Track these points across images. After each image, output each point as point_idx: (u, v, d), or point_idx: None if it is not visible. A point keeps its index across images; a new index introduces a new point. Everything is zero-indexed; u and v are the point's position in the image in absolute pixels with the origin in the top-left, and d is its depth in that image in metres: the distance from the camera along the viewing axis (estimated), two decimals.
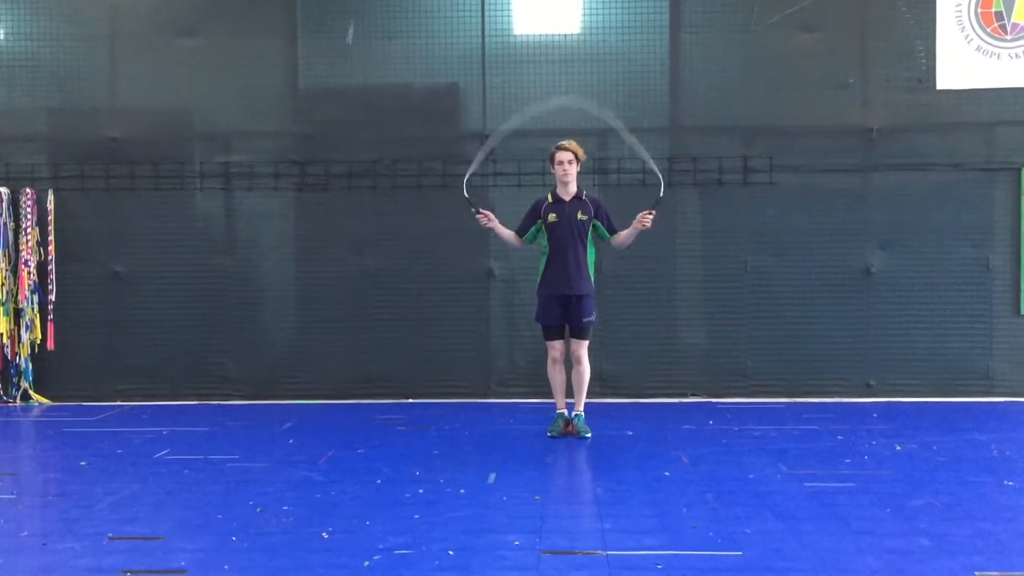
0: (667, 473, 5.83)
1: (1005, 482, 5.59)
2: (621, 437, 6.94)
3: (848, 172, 8.78)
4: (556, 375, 7.13)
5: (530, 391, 8.75)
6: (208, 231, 9.02)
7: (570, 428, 6.99)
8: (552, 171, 7.11)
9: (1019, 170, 8.69)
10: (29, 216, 8.81)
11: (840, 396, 8.73)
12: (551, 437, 6.96)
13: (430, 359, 8.91)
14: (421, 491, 5.44)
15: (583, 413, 7.09)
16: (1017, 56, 8.66)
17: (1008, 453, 6.37)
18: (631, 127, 8.83)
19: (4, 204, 8.77)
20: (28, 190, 8.85)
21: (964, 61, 8.68)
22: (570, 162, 6.95)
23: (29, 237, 8.80)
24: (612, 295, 8.78)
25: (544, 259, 7.02)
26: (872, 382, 8.77)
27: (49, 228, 8.88)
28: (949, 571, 4.09)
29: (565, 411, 7.12)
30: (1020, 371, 8.71)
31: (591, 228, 7.00)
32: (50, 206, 8.87)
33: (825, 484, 5.51)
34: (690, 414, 8.00)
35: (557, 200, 7.02)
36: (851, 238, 8.79)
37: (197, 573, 4.13)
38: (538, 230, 7.05)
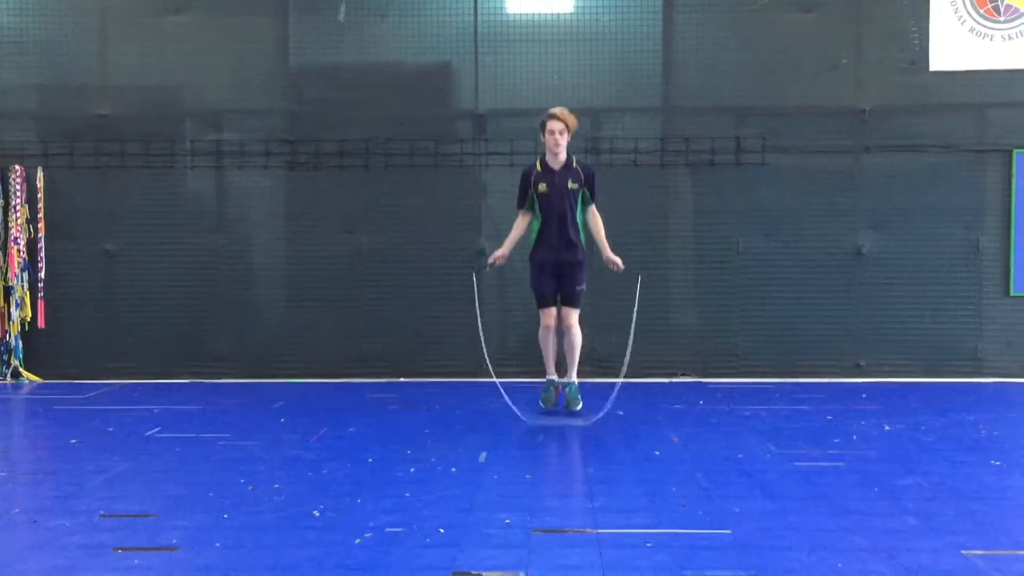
0: (657, 452, 5.86)
1: (992, 462, 5.63)
2: (612, 416, 6.95)
3: (841, 153, 8.78)
4: (548, 341, 7.08)
5: (521, 370, 8.74)
6: (199, 209, 8.99)
7: (559, 391, 7.07)
8: (542, 139, 7.00)
9: (1010, 152, 8.71)
10: (19, 193, 8.77)
11: (830, 376, 8.77)
12: (544, 408, 7.01)
13: (422, 338, 8.92)
14: (412, 470, 5.45)
15: (576, 381, 7.10)
16: (1010, 38, 8.66)
17: (995, 433, 6.42)
18: (624, 107, 8.90)
19: None
20: (17, 167, 8.80)
21: (957, 43, 8.67)
22: (561, 132, 6.84)
23: (19, 214, 8.76)
24: (603, 275, 8.73)
25: (537, 225, 6.96)
26: (862, 362, 8.81)
27: (39, 205, 8.84)
28: (936, 550, 4.12)
29: (555, 376, 7.14)
30: (1009, 352, 8.76)
31: (582, 195, 6.94)
32: (40, 183, 8.83)
33: (814, 463, 5.55)
34: (681, 394, 8.03)
35: (546, 169, 6.93)
36: (843, 219, 8.81)
37: (189, 550, 4.14)
38: (531, 199, 6.98)
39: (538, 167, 6.95)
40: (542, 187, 6.87)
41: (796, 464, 5.53)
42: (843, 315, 8.82)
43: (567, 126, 6.87)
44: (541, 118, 6.97)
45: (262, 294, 9.01)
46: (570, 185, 6.86)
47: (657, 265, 8.89)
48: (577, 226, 6.91)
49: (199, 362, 8.94)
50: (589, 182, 6.94)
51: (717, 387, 8.37)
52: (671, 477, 5.29)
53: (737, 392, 8.10)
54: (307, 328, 8.95)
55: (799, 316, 8.83)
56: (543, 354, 7.15)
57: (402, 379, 8.87)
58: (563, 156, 6.93)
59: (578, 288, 6.98)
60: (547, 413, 7.02)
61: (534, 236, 6.99)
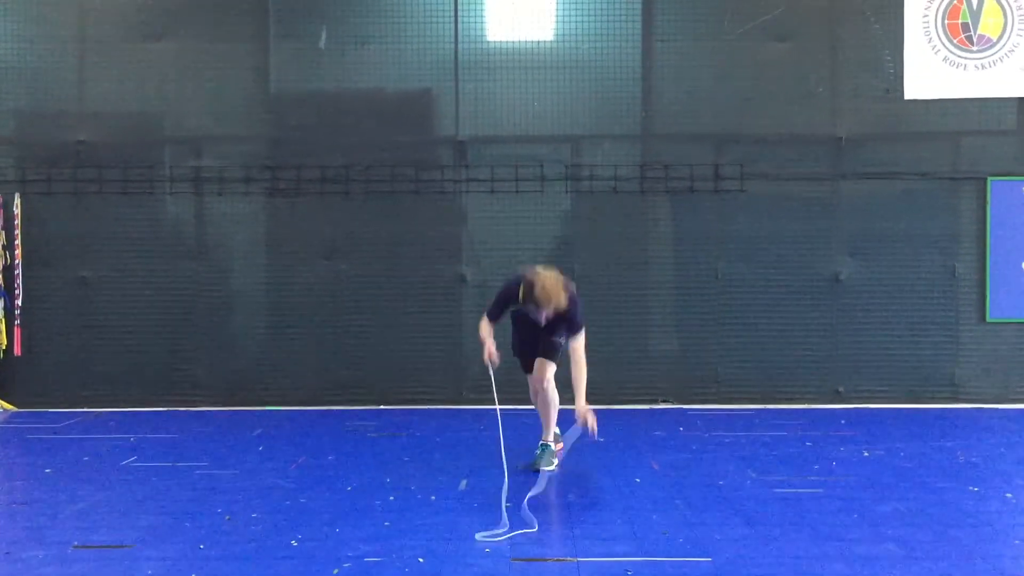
0: (637, 479, 5.84)
1: (970, 488, 5.65)
2: (592, 443, 6.93)
3: (817, 180, 8.86)
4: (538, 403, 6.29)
5: (502, 398, 8.72)
6: (178, 236, 8.94)
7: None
8: (523, 298, 5.87)
9: (985, 179, 8.81)
10: None
11: (810, 403, 8.79)
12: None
13: (402, 365, 8.88)
14: (392, 498, 5.41)
15: (550, 444, 6.21)
16: (983, 67, 8.79)
17: (973, 459, 6.45)
18: (603, 134, 8.96)
19: None
20: None
21: (931, 71, 8.79)
22: (547, 315, 5.84)
23: None
24: (583, 301, 8.76)
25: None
26: (841, 388, 8.84)
27: (16, 232, 8.77)
28: None
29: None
30: (986, 378, 8.83)
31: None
32: (17, 210, 8.77)
33: (794, 490, 5.55)
34: (661, 421, 8.02)
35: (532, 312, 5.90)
36: (820, 246, 8.87)
37: None
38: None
39: (521, 299, 5.89)
40: (523, 311, 5.97)
41: (776, 490, 5.53)
42: (822, 341, 8.87)
43: (557, 309, 5.80)
44: (520, 283, 5.85)
45: (240, 321, 8.96)
46: (554, 337, 6.02)
47: (636, 291, 8.93)
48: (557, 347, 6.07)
49: (176, 390, 8.86)
50: (570, 322, 5.96)
51: (697, 414, 8.37)
52: (651, 504, 5.27)
53: (717, 419, 8.11)
54: (286, 355, 8.90)
55: (778, 342, 8.87)
56: (540, 415, 6.34)
57: (381, 406, 8.82)
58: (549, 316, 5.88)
59: (554, 340, 6.03)
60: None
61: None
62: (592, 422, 5.86)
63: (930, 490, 5.59)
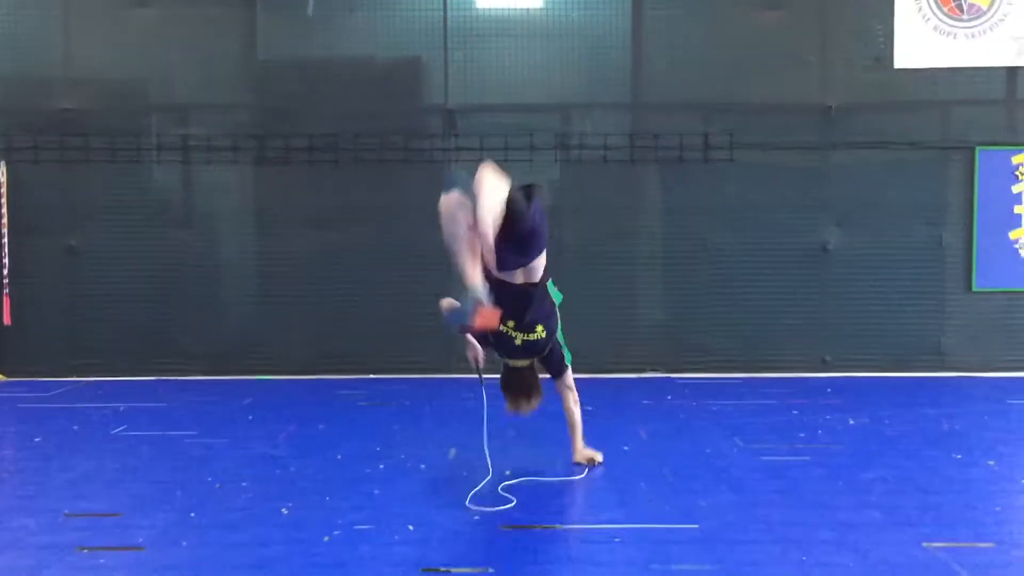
0: (625, 448, 5.89)
1: (953, 455, 5.72)
2: (582, 412, 6.97)
3: (807, 150, 8.85)
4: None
5: (489, 367, 8.76)
6: (165, 205, 8.90)
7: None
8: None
9: (973, 149, 8.81)
10: None
11: (797, 371, 8.84)
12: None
13: (392, 335, 8.88)
14: (381, 466, 5.45)
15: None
16: (973, 36, 8.77)
17: (957, 427, 6.52)
18: (593, 103, 8.92)
19: None
20: None
21: (921, 41, 8.77)
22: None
23: None
24: (573, 271, 8.78)
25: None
26: (828, 357, 8.89)
27: (1, 201, 8.71)
28: (898, 542, 4.19)
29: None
30: (971, 347, 8.88)
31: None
32: (2, 178, 8.70)
33: (780, 457, 5.61)
34: (649, 390, 8.07)
35: None
36: (809, 215, 8.88)
37: (155, 550, 4.12)
38: None
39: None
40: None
41: (762, 458, 5.59)
42: (809, 311, 8.90)
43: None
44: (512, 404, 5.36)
45: (229, 290, 8.94)
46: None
47: (626, 261, 8.94)
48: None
49: (165, 359, 8.85)
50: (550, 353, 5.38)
51: (685, 382, 8.42)
52: (639, 472, 5.32)
53: (705, 387, 8.16)
54: (275, 325, 8.89)
55: (766, 312, 8.90)
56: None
57: (371, 375, 8.84)
58: None
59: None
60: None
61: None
62: (597, 458, 5.44)
63: (914, 457, 5.66)
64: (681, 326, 8.93)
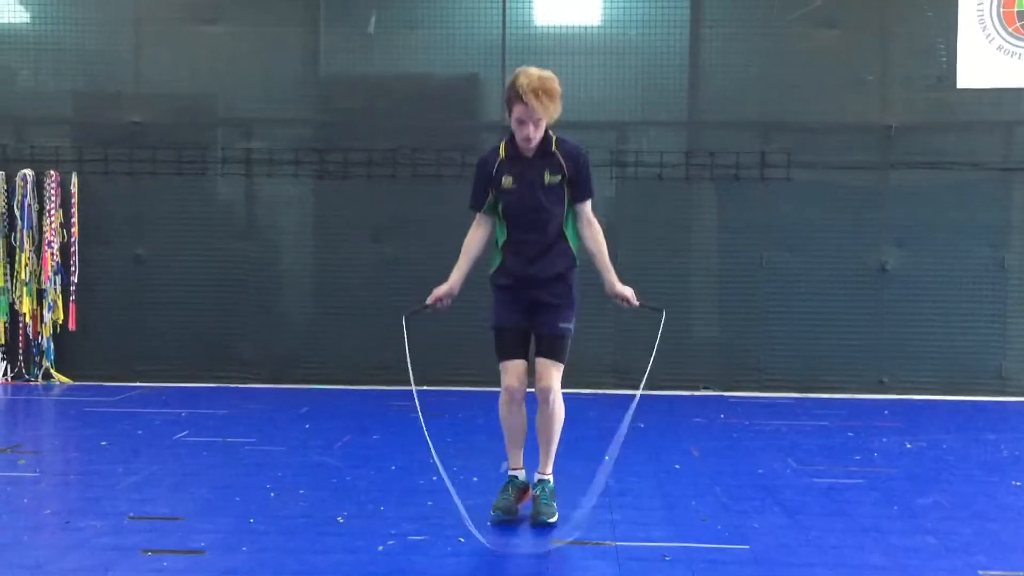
0: (677, 466, 5.90)
1: (1012, 482, 5.63)
2: (633, 428, 6.94)
3: (866, 169, 8.80)
4: (513, 416, 4.76)
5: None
6: (228, 216, 9.14)
7: (526, 497, 4.81)
8: (507, 115, 4.67)
9: None
10: (53, 198, 8.94)
11: (852, 392, 8.77)
12: (496, 519, 4.68)
13: (445, 347, 8.95)
14: (435, 478, 5.51)
15: (551, 478, 4.79)
16: None
17: (1017, 453, 6.40)
18: (650, 120, 8.96)
19: (29, 186, 8.90)
20: (52, 172, 8.97)
21: (985, 60, 8.67)
22: (536, 123, 4.52)
23: (53, 219, 8.93)
24: (627, 286, 8.79)
25: (501, 238, 4.77)
26: (885, 379, 8.80)
27: (72, 210, 9.01)
28: (953, 570, 4.15)
29: (521, 472, 4.87)
30: None
31: (566, 191, 4.66)
32: (74, 188, 9.00)
33: (834, 480, 5.57)
34: (702, 408, 8.06)
35: (513, 156, 4.65)
36: (867, 235, 8.82)
37: (216, 554, 4.23)
38: (495, 200, 4.75)
39: (502, 153, 4.68)
40: (507, 182, 4.64)
41: (816, 480, 5.56)
42: (866, 331, 8.82)
43: (541, 114, 4.49)
44: (508, 91, 4.56)
45: (289, 301, 9.14)
46: (547, 178, 4.61)
47: (680, 278, 8.95)
48: (563, 237, 4.70)
49: (226, 367, 9.07)
50: (577, 172, 4.64)
51: (738, 401, 8.39)
52: (690, 491, 5.33)
53: (758, 406, 8.12)
54: (333, 335, 9.05)
55: (822, 332, 8.84)
56: (506, 439, 4.86)
57: (425, 387, 8.92)
58: (538, 137, 4.60)
59: (562, 327, 4.69)
60: (500, 524, 4.67)
61: (497, 255, 4.80)
62: (630, 295, 4.78)
63: (972, 483, 5.58)
64: (736, 344, 8.91)
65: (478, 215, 4.85)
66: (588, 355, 8.74)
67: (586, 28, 8.94)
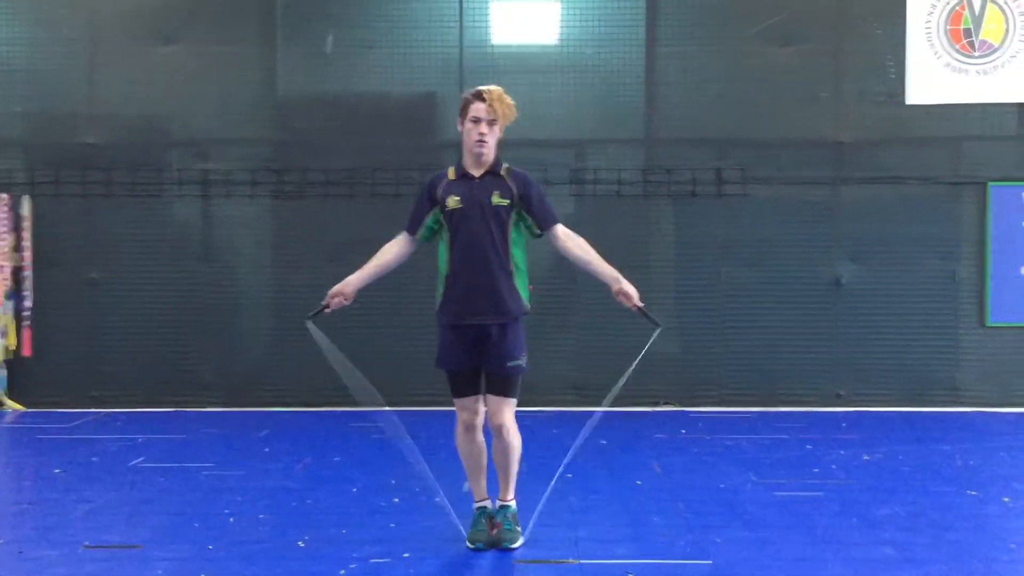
0: (639, 482, 5.91)
1: (968, 492, 5.72)
2: (594, 446, 7.00)
3: (820, 185, 8.92)
4: (471, 445, 4.75)
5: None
6: (185, 238, 9.03)
7: (494, 531, 4.69)
8: (460, 129, 4.68)
9: (985, 184, 8.86)
10: (5, 222, 8.78)
11: (810, 406, 8.85)
12: (472, 549, 4.64)
13: (406, 367, 8.92)
14: (396, 500, 5.49)
15: (512, 503, 4.78)
16: (985, 72, 8.84)
17: (972, 463, 6.51)
18: (607, 139, 9.02)
19: None
20: (3, 195, 8.81)
21: (933, 77, 8.85)
22: (490, 122, 4.58)
23: (4, 243, 8.77)
24: (586, 303, 8.86)
25: (444, 268, 4.69)
26: (841, 392, 8.90)
27: (25, 234, 8.86)
28: None
29: (488, 503, 4.83)
30: (985, 381, 8.88)
31: (516, 219, 4.63)
32: (26, 212, 8.85)
33: (794, 493, 5.62)
34: (662, 423, 8.09)
35: (462, 176, 4.65)
36: (822, 250, 8.93)
37: None
38: (436, 223, 4.71)
39: (451, 174, 4.68)
40: (453, 201, 4.58)
41: (776, 494, 5.60)
42: (823, 345, 8.92)
43: (499, 115, 4.59)
44: (464, 95, 4.70)
45: (247, 323, 9.04)
46: (495, 199, 4.55)
47: (640, 294, 8.96)
48: (510, 265, 4.61)
49: (183, 391, 8.94)
50: (528, 194, 4.61)
51: (699, 416, 8.44)
52: (653, 507, 5.35)
53: (718, 421, 8.18)
54: (291, 357, 8.95)
55: (780, 346, 8.92)
56: (466, 470, 4.85)
57: (387, 408, 8.88)
58: (489, 157, 4.63)
59: (510, 366, 4.59)
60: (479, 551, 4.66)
61: (440, 287, 4.73)
62: (634, 295, 4.79)
63: (929, 494, 5.66)
64: (695, 360, 8.96)
65: (405, 233, 4.85)
66: (549, 373, 8.78)
67: (544, 47, 9.00)
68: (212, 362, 8.98)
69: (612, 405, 8.61)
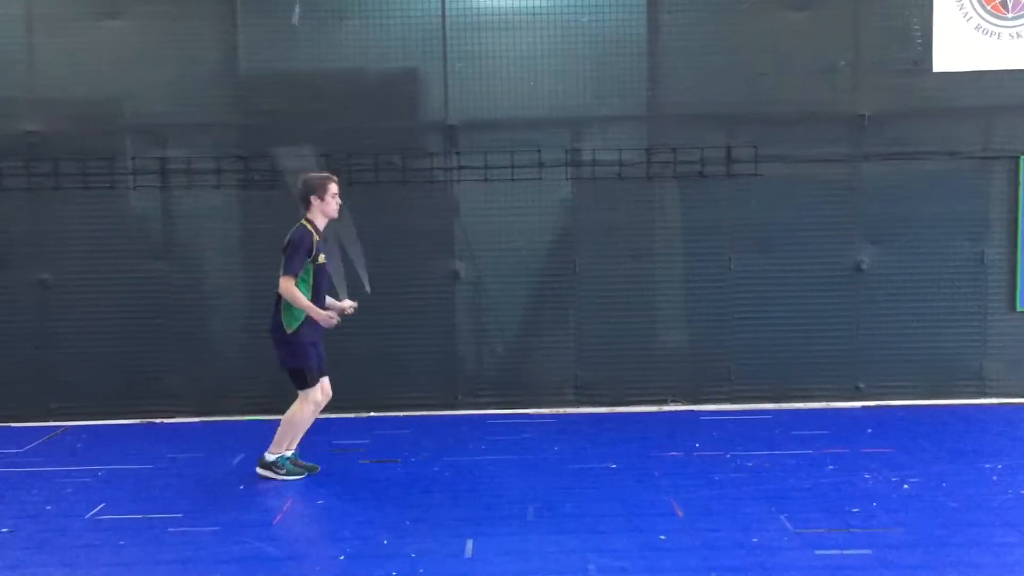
0: (663, 537, 5.24)
1: None
2: (605, 472, 6.37)
3: (837, 162, 8.19)
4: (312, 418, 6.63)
5: (499, 400, 8.19)
6: (143, 234, 8.21)
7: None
8: (317, 202, 6.36)
9: (1017, 158, 8.17)
10: None
11: (828, 400, 8.27)
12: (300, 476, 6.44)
13: (392, 369, 8.28)
14: (394, 574, 4.81)
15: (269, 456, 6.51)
16: (1018, 35, 8.08)
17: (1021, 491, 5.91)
18: (606, 116, 8.22)
19: None
20: None
21: (962, 41, 8.07)
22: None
23: None
24: (588, 295, 8.19)
25: (307, 301, 6.24)
26: (861, 384, 8.31)
27: None
28: None
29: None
30: (1015, 371, 8.30)
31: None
32: None
33: (838, 551, 4.96)
34: (674, 431, 7.45)
35: (321, 236, 6.38)
36: (841, 232, 8.25)
37: None
38: (307, 273, 6.26)
39: (316, 235, 6.31)
40: (322, 258, 6.34)
41: (818, 552, 4.97)
42: (841, 335, 8.29)
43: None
44: (317, 178, 6.42)
45: (216, 324, 8.29)
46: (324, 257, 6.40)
47: (643, 285, 8.30)
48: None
49: (149, 400, 8.22)
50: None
51: (710, 418, 7.83)
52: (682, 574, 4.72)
53: (732, 426, 7.56)
54: (266, 361, 8.14)
55: (795, 337, 8.29)
56: (298, 432, 6.59)
57: (371, 414, 8.23)
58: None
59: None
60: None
61: (300, 315, 6.23)
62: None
63: (984, 543, 5.05)
64: (704, 353, 8.32)
65: (293, 277, 6.16)
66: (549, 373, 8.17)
67: (534, 15, 8.11)
68: (180, 368, 8.24)
69: (617, 405, 8.15)
